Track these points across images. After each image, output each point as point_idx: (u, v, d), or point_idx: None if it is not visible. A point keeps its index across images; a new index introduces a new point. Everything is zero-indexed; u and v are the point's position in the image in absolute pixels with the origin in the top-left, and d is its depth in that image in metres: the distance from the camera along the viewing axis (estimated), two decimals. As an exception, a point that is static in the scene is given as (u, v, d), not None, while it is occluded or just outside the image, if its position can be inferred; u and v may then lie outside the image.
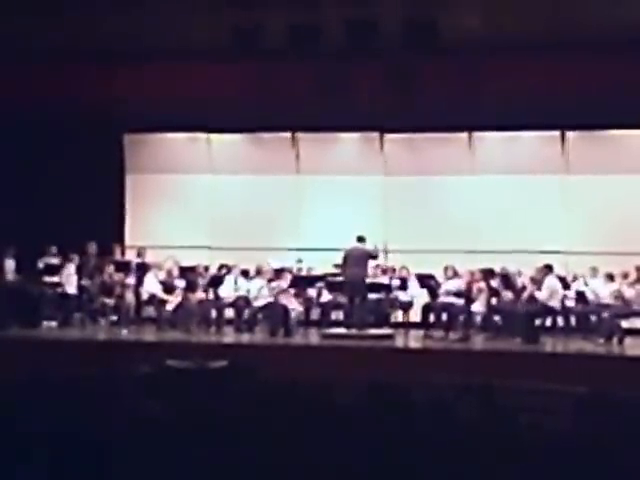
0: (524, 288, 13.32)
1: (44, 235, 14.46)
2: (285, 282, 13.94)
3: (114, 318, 14.39)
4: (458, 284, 13.60)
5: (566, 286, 13.54)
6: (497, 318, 13.63)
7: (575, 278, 13.96)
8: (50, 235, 14.50)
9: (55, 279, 14.20)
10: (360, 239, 13.28)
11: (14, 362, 10.18)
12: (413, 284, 14.07)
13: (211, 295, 14.21)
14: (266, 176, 15.82)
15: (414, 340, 13.50)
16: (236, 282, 14.22)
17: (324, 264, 14.42)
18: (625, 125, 14.39)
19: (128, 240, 16.09)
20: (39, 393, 6.32)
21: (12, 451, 5.17)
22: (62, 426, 5.41)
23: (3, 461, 5.11)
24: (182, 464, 5.15)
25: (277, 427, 5.46)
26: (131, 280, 14.49)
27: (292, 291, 13.99)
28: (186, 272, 14.39)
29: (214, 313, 14.11)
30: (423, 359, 12.06)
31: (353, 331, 13.06)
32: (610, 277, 13.45)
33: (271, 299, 13.76)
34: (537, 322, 13.17)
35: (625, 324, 13.02)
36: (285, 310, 13.56)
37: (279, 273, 14.17)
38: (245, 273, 14.42)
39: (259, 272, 14.20)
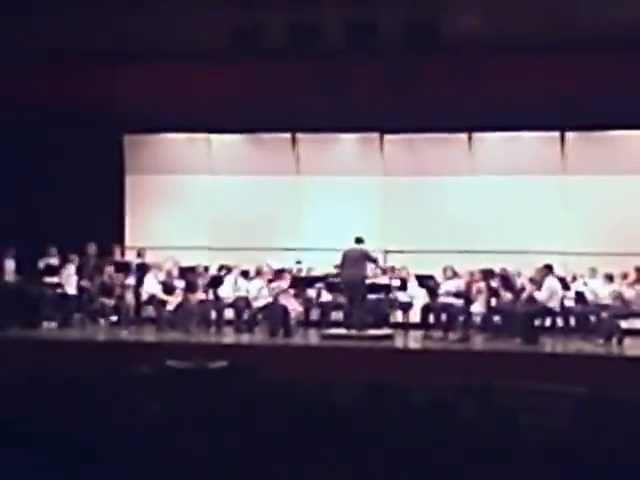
0: (523, 288, 13.32)
1: (44, 235, 14.47)
2: (285, 283, 13.95)
3: (114, 319, 14.40)
4: (457, 284, 13.61)
5: (565, 287, 13.54)
6: (497, 318, 13.63)
7: (574, 278, 13.96)
8: (50, 235, 14.50)
9: (55, 280, 14.20)
10: (358, 240, 13.29)
11: (14, 362, 10.19)
12: (413, 284, 14.07)
13: (211, 296, 14.21)
14: (266, 177, 15.81)
15: (414, 341, 13.50)
16: (236, 282, 14.22)
17: (324, 264, 14.42)
18: (625, 126, 14.39)
19: (128, 241, 16.09)
20: (39, 394, 6.32)
21: (12, 451, 5.17)
22: (62, 426, 5.41)
23: (3, 461, 5.11)
24: (182, 464, 5.15)
25: (277, 427, 5.46)
26: (131, 281, 14.50)
27: (292, 292, 13.99)
28: (186, 273, 14.39)
29: (214, 313, 14.12)
30: (423, 359, 12.08)
31: (353, 332, 13.06)
32: (609, 278, 13.45)
33: (271, 300, 13.76)
34: (536, 322, 13.18)
35: (624, 324, 13.01)
36: (285, 310, 13.56)
37: (279, 274, 14.17)
38: (245, 274, 14.42)
39: (259, 273, 14.21)
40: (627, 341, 12.87)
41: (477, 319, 13.72)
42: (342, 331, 13.26)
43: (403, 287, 14.08)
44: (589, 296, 13.35)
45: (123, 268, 14.65)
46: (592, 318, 13.45)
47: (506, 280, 13.61)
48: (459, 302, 13.51)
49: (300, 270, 14.69)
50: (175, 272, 14.40)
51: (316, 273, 14.51)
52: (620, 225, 14.64)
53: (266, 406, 6.01)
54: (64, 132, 15.15)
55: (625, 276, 13.46)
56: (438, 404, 6.13)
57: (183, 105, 14.72)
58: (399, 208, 15.60)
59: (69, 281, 14.24)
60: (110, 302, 14.40)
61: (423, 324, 13.76)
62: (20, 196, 15.21)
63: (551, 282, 13.05)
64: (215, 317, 14.10)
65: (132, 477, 5.12)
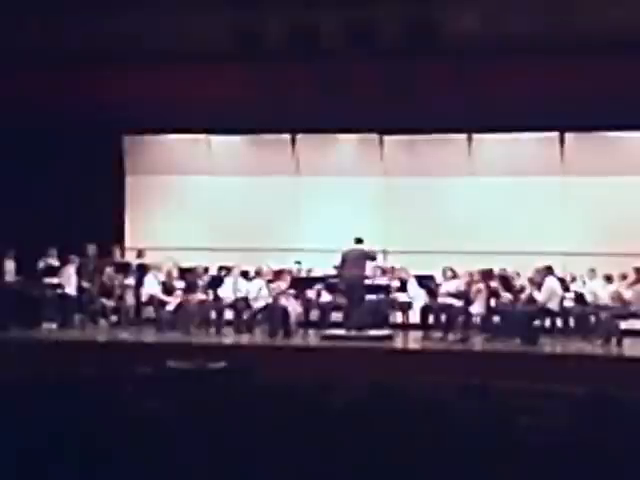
0: (523, 289, 13.34)
1: (44, 236, 14.48)
2: (285, 283, 13.96)
3: (114, 319, 14.42)
4: (457, 285, 13.62)
5: (565, 287, 13.56)
6: (496, 319, 13.64)
7: (574, 279, 13.98)
8: (50, 236, 14.52)
9: (55, 280, 14.22)
10: (358, 241, 13.30)
11: (14, 363, 10.19)
12: (412, 285, 14.08)
13: (211, 296, 14.22)
14: (266, 177, 15.83)
15: (413, 341, 13.52)
16: (236, 283, 14.23)
17: (324, 265, 14.43)
18: (624, 127, 14.41)
19: (128, 241, 16.12)
20: (39, 394, 6.33)
21: (12, 451, 5.18)
22: (62, 427, 5.42)
23: (3, 461, 5.12)
24: (182, 465, 5.16)
25: (276, 428, 5.47)
26: (131, 281, 14.52)
27: (292, 292, 14.01)
28: (186, 273, 14.41)
29: (214, 314, 14.13)
30: (422, 360, 12.08)
31: (352, 332, 13.07)
32: (608, 278, 13.49)
33: (270, 300, 13.77)
34: (536, 323, 13.20)
35: (624, 325, 13.02)
36: (284, 311, 13.57)
37: (278, 274, 14.18)
38: (245, 274, 14.43)
39: (259, 273, 14.22)
40: (626, 342, 12.88)
41: (477, 320, 13.73)
42: (342, 332, 13.27)
43: (403, 288, 14.10)
44: (588, 297, 13.38)
45: (123, 269, 14.67)
46: (591, 319, 13.48)
47: (505, 281, 13.63)
48: (459, 303, 13.52)
49: (300, 270, 14.71)
50: (175, 273, 14.42)
51: (316, 274, 14.53)
52: (619, 226, 14.66)
53: (266, 406, 6.01)
54: (64, 132, 15.17)
55: (624, 277, 13.48)
56: (438, 405, 6.14)
57: (183, 105, 14.73)
58: (399, 209, 15.62)
59: (69, 282, 14.25)
60: (110, 303, 14.42)
61: (423, 325, 13.78)
62: (20, 196, 15.22)
63: (550, 283, 13.07)
64: (215, 318, 14.11)
65: (132, 477, 5.13)
